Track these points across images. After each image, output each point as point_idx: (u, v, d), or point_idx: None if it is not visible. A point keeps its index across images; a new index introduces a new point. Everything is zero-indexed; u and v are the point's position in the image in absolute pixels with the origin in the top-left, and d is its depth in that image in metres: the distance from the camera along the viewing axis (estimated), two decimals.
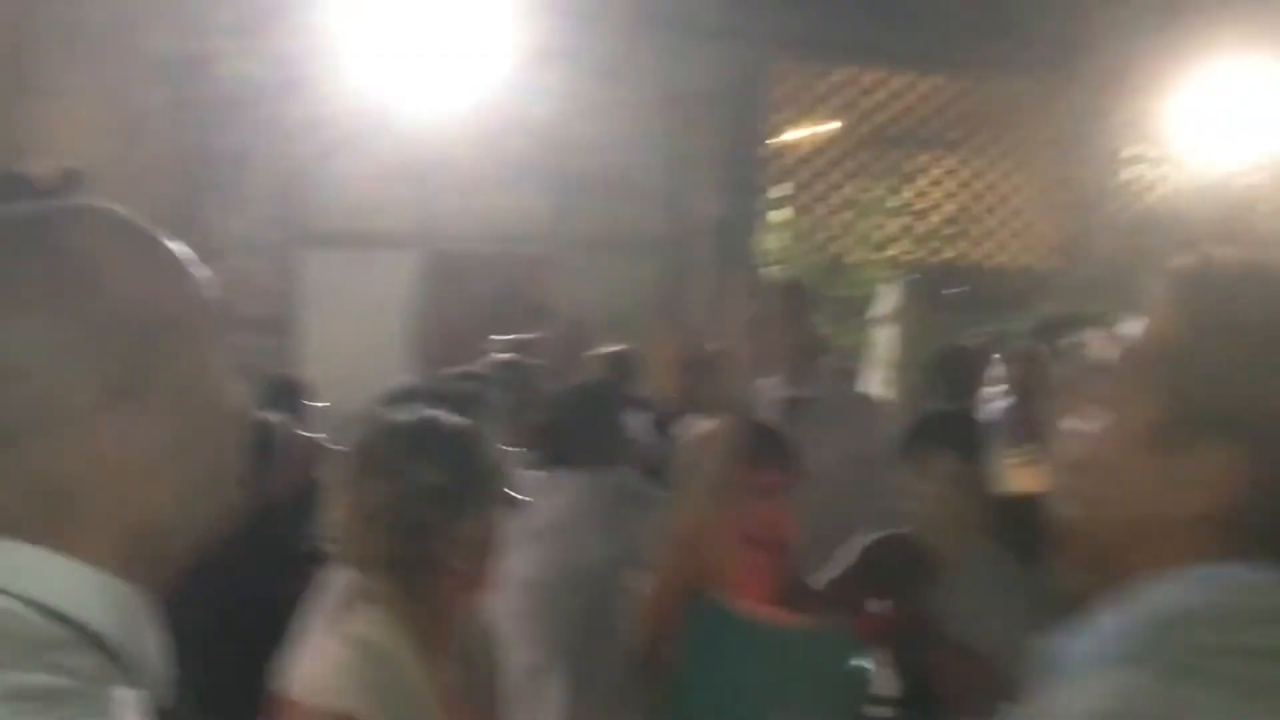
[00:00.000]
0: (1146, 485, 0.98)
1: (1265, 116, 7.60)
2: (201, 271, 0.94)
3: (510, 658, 2.21)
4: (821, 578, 2.58)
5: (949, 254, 8.72)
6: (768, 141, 8.34)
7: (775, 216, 7.93)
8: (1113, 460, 1.00)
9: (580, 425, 2.93)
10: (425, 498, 1.80)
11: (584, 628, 2.62)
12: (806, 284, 5.20)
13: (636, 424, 3.43)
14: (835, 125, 8.53)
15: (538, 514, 2.72)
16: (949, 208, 8.81)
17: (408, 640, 1.80)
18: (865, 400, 4.10)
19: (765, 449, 2.25)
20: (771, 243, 7.44)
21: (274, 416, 3.45)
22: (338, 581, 1.90)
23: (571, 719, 2.68)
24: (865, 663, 2.13)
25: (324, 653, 1.79)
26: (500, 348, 5.02)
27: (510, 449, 2.93)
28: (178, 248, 0.94)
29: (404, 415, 1.93)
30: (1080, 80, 8.73)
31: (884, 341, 6.75)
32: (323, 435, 3.68)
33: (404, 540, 1.80)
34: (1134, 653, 0.92)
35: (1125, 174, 9.11)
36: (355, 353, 6.05)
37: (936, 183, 8.80)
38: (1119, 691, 0.90)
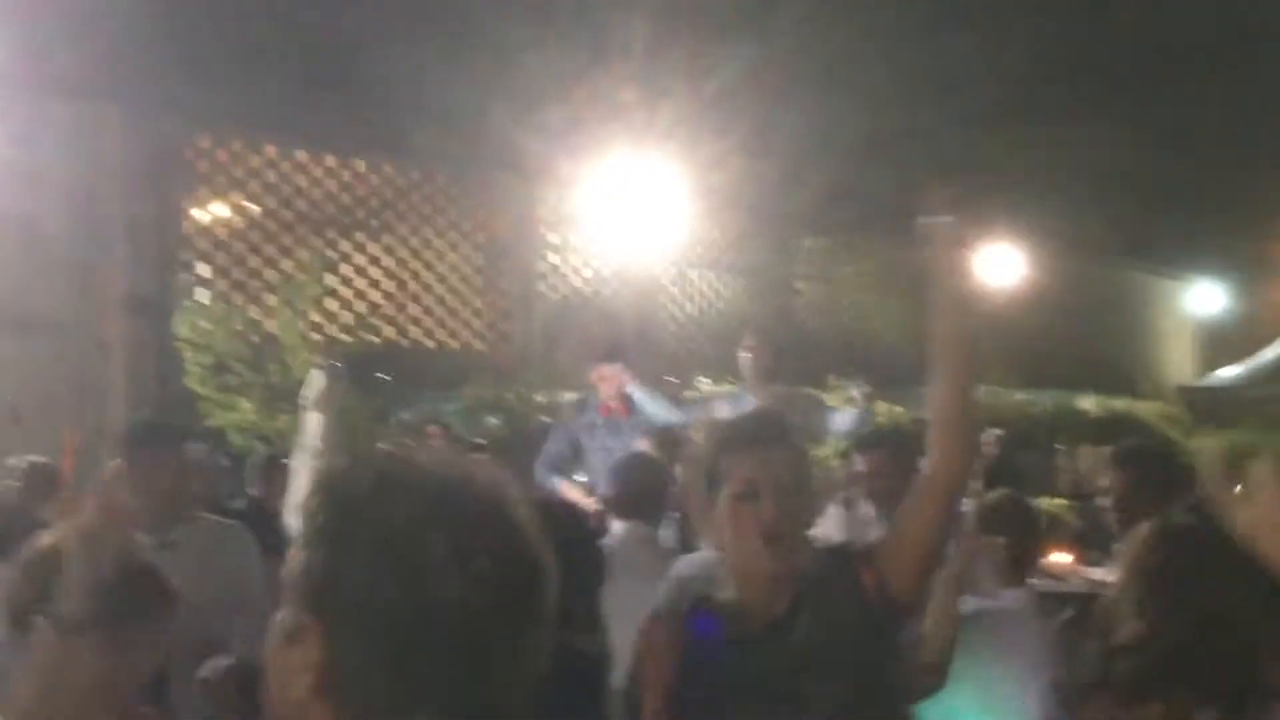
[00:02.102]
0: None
1: (664, 211, 8.47)
2: None
3: None
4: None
5: (384, 337, 8.78)
6: (189, 219, 8.00)
7: (197, 298, 7.61)
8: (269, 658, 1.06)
9: None
10: None
11: None
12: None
13: None
14: (260, 207, 8.34)
15: None
16: (380, 291, 8.89)
17: None
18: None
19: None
20: (192, 325, 7.09)
21: None
22: None
23: None
24: None
25: None
26: None
27: None
28: None
29: None
30: (507, 173, 9.24)
31: (311, 427, 6.63)
32: None
33: None
34: None
35: (549, 261, 9.73)
36: None
37: (367, 266, 8.85)
38: None
